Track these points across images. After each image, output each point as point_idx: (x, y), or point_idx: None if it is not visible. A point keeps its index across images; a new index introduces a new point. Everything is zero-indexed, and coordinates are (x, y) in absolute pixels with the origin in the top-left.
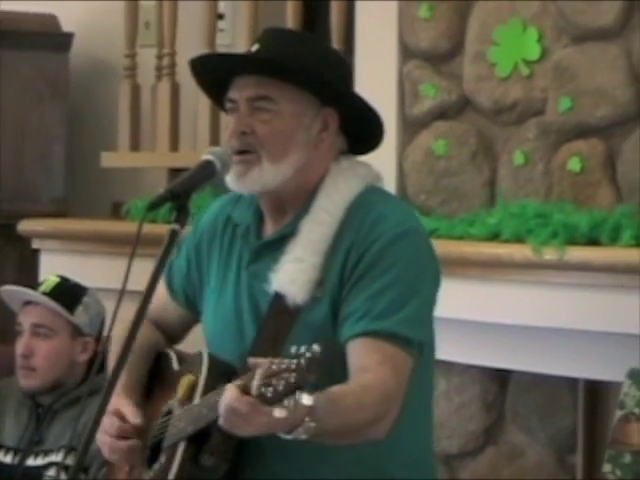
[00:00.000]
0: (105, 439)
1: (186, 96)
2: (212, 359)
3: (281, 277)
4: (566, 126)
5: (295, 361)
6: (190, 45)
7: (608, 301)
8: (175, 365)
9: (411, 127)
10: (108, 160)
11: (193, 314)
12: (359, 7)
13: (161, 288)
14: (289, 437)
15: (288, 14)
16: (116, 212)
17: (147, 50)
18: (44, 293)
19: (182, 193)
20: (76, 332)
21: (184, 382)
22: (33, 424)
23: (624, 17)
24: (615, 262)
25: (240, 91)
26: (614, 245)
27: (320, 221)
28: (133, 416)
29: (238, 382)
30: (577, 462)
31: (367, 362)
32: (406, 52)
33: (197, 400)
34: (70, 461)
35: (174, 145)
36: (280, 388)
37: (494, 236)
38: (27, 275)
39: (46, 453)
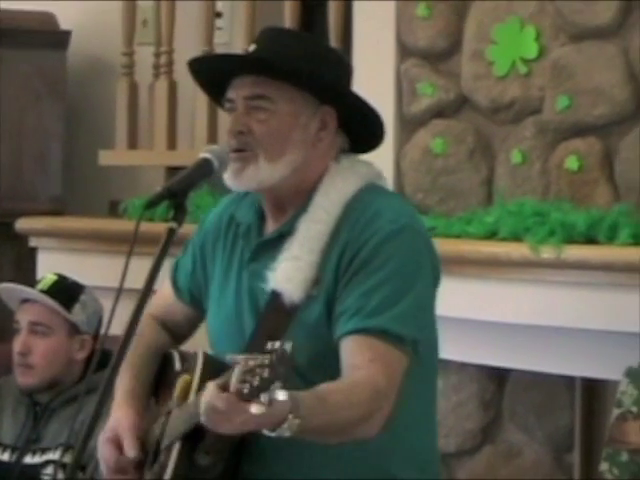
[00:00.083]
0: (103, 468)
1: (184, 94)
2: (207, 358)
3: (278, 275)
4: (563, 125)
5: (268, 356)
6: (188, 43)
7: (606, 300)
8: (177, 365)
9: (409, 125)
10: (106, 158)
11: (198, 313)
12: (357, 6)
13: (167, 287)
14: (273, 434)
15: (286, 13)
16: (114, 210)
17: (145, 48)
18: (42, 291)
19: (180, 191)
20: (73, 330)
21: (180, 382)
22: (30, 422)
23: (621, 16)
24: (613, 261)
25: (237, 91)
26: (611, 244)
27: (317, 219)
28: (130, 449)
29: (218, 380)
30: (574, 461)
31: (359, 359)
32: (404, 51)
33: (191, 400)
34: (67, 459)
35: (172, 143)
36: (255, 384)
37: (492, 234)
38: (25, 273)
39: (43, 451)
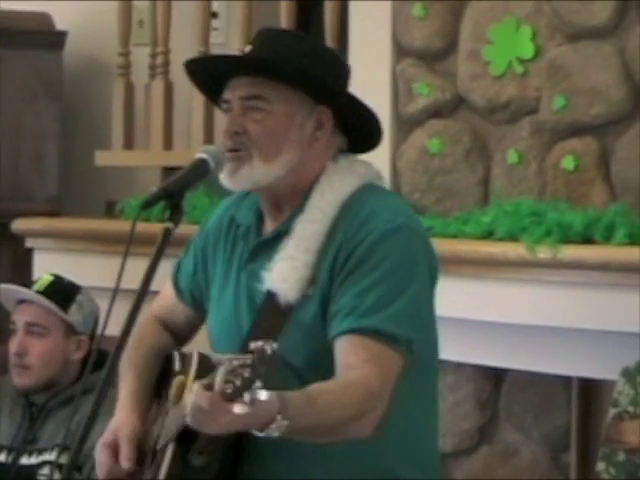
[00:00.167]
0: (98, 470)
1: (180, 95)
2: (202, 359)
3: (273, 275)
4: (560, 125)
5: (250, 356)
6: (184, 44)
7: (602, 299)
8: (176, 366)
9: (405, 125)
10: (102, 159)
11: (199, 314)
12: (353, 6)
13: (169, 288)
14: (262, 434)
15: (282, 13)
16: (110, 211)
17: (141, 49)
18: (38, 292)
19: (176, 191)
20: (70, 331)
21: (175, 383)
22: (27, 423)
23: (618, 16)
24: (609, 260)
25: (233, 91)
26: (608, 243)
27: (313, 219)
28: (125, 459)
29: (204, 380)
30: (571, 461)
31: (353, 359)
32: (400, 51)
33: (184, 400)
34: (64, 460)
35: (168, 144)
36: (238, 383)
37: (488, 234)
38: (21, 274)
39: (40, 452)
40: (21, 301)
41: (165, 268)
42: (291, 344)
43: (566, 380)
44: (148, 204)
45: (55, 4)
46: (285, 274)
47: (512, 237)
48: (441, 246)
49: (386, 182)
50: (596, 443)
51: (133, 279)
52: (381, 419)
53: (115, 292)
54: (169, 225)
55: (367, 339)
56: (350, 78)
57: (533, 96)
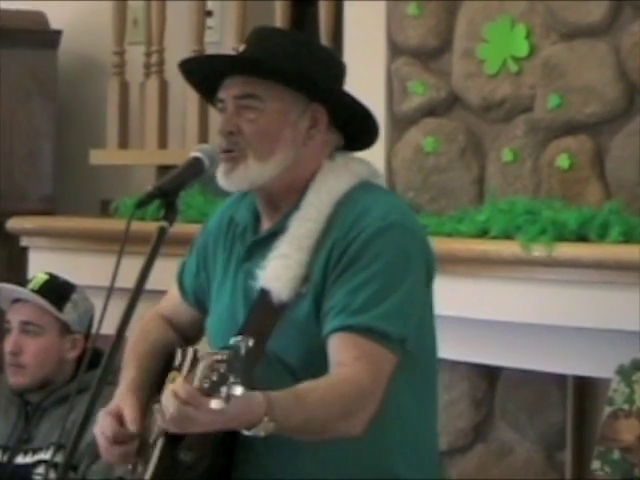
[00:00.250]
0: (101, 440)
1: (174, 93)
2: (196, 355)
3: (267, 273)
4: (555, 123)
5: (227, 352)
6: (178, 42)
7: (597, 297)
8: (176, 362)
9: (400, 124)
10: (97, 158)
11: (203, 315)
12: (347, 5)
13: (174, 289)
14: (249, 434)
15: (276, 12)
16: (105, 210)
17: (135, 47)
18: (33, 290)
19: (171, 190)
20: (65, 329)
21: (169, 379)
22: (22, 422)
23: (612, 14)
24: (604, 258)
25: (228, 90)
26: (603, 241)
27: (308, 217)
28: (131, 423)
29: (186, 376)
30: (566, 459)
31: (344, 357)
32: (394, 49)
33: None
34: (59, 459)
35: (163, 142)
36: (214, 379)
37: (483, 233)
38: (16, 273)
39: (35, 451)
40: (16, 300)
41: (160, 267)
42: (285, 342)
43: (561, 378)
44: (143, 203)
45: (50, 3)
46: (278, 272)
47: (507, 235)
48: (436, 245)
49: (383, 180)
50: (591, 441)
51: (128, 278)
52: (372, 417)
53: (110, 291)
54: (164, 224)
55: (359, 337)
56: (345, 76)
57: (528, 94)
